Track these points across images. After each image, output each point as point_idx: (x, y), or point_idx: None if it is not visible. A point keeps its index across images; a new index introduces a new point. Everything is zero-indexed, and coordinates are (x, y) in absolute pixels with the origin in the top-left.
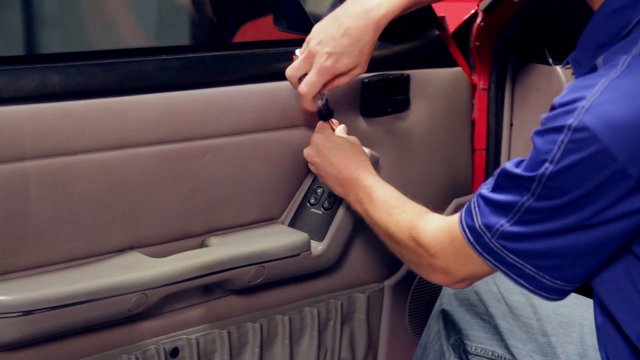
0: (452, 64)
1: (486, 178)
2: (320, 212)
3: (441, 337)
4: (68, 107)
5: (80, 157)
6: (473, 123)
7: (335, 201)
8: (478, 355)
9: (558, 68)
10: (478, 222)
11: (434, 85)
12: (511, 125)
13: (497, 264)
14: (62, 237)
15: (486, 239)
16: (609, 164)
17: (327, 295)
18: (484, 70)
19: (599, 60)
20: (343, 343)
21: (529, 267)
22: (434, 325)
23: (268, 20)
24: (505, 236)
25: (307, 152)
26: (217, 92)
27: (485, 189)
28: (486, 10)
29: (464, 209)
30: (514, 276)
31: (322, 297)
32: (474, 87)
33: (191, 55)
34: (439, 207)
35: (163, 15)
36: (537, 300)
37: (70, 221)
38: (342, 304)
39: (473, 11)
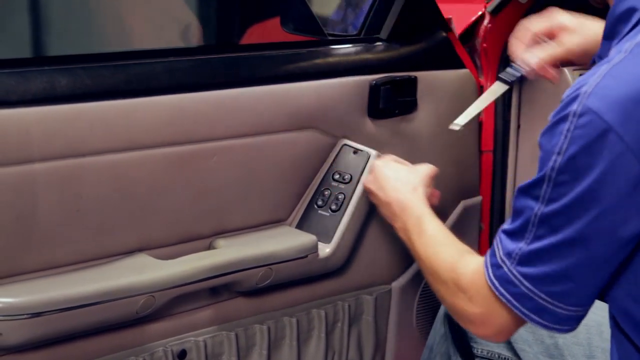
0: (459, 65)
1: (493, 180)
2: (327, 214)
3: (447, 339)
4: (76, 109)
5: (89, 159)
6: (480, 125)
7: (342, 203)
8: (484, 358)
9: (565, 69)
10: (499, 254)
11: (441, 87)
12: (518, 127)
13: (511, 298)
14: (70, 239)
15: (505, 269)
16: (615, 145)
17: (335, 297)
18: (491, 72)
19: (612, 51)
20: (351, 345)
21: (543, 296)
22: (440, 327)
23: (275, 22)
24: (523, 260)
25: (365, 180)
26: (225, 94)
27: (505, 224)
28: (493, 12)
29: (489, 250)
30: (529, 312)
31: (330, 298)
32: (481, 88)
33: (199, 57)
34: (446, 209)
35: (171, 17)
36: None
37: (78, 223)
38: (349, 306)
39: (480, 13)
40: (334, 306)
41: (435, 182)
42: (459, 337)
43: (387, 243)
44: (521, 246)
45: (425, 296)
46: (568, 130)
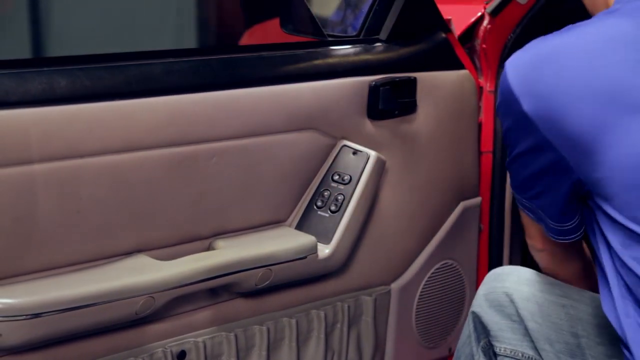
0: (459, 66)
1: (493, 181)
2: (327, 215)
3: (471, 340)
4: (75, 110)
5: (88, 160)
6: (480, 125)
7: (342, 204)
8: (507, 357)
9: None
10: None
11: (441, 87)
12: None
13: (524, 210)
14: (69, 240)
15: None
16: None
17: (334, 298)
18: (491, 72)
19: None
20: (350, 346)
21: (535, 208)
22: (465, 328)
23: (275, 23)
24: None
25: None
26: (224, 95)
27: None
28: (493, 13)
29: None
30: (536, 220)
31: (329, 299)
32: (480, 89)
33: (198, 58)
34: (445, 210)
35: (170, 18)
36: (569, 301)
37: (77, 224)
38: (349, 307)
39: (480, 14)
40: (334, 307)
41: (435, 182)
42: (483, 338)
43: (386, 244)
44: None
45: (425, 297)
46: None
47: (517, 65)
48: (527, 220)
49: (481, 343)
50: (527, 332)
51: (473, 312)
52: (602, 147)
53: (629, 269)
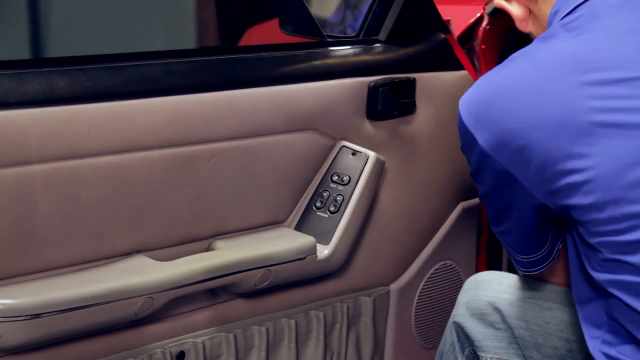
0: (458, 67)
1: None
2: (326, 216)
3: (455, 350)
4: (74, 111)
5: (87, 160)
6: None
7: (341, 205)
8: None
9: None
10: None
11: (440, 88)
12: None
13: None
14: (68, 240)
15: None
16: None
17: (333, 298)
18: None
19: None
20: (349, 346)
21: (506, 245)
22: (449, 337)
23: (274, 23)
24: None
25: None
26: (223, 95)
27: None
28: (492, 14)
29: None
30: (509, 255)
31: (328, 300)
32: None
33: (197, 58)
34: (445, 210)
35: (169, 19)
36: (554, 304)
37: (76, 225)
38: (348, 308)
39: (479, 15)
40: (333, 308)
41: (434, 183)
42: (467, 347)
43: (385, 245)
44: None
45: (424, 298)
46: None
47: (468, 104)
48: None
49: (465, 352)
50: (513, 340)
51: (455, 322)
52: (561, 173)
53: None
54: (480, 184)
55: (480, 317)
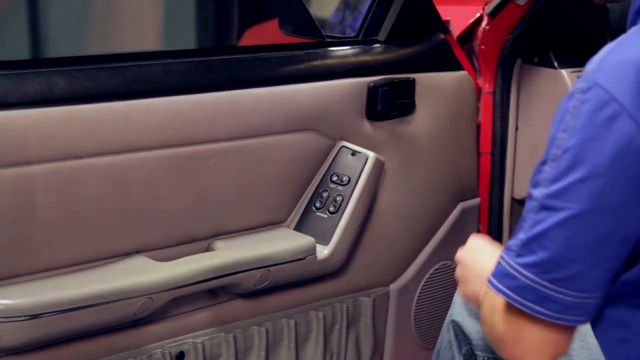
0: (458, 67)
1: (491, 182)
2: (325, 216)
3: (452, 347)
4: (74, 111)
5: (86, 161)
6: (478, 126)
7: (340, 205)
8: None
9: (563, 71)
10: (501, 255)
11: (440, 88)
12: (516, 128)
13: (509, 292)
14: (68, 240)
15: (504, 263)
16: (622, 120)
17: (333, 299)
18: (490, 73)
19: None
20: (349, 347)
21: (546, 284)
22: (446, 335)
23: (274, 24)
24: (522, 249)
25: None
26: (223, 96)
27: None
28: (491, 14)
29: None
30: (530, 303)
31: (328, 300)
32: (479, 90)
33: (197, 59)
34: (444, 211)
35: (169, 19)
36: None
37: (76, 225)
38: (347, 308)
39: (478, 15)
40: (332, 308)
41: (434, 183)
42: (464, 345)
43: (385, 245)
44: (521, 237)
45: (424, 298)
46: (574, 107)
47: (615, 70)
48: (522, 323)
49: (463, 350)
50: None
51: (453, 321)
52: None
53: None
54: (575, 199)
55: (478, 316)
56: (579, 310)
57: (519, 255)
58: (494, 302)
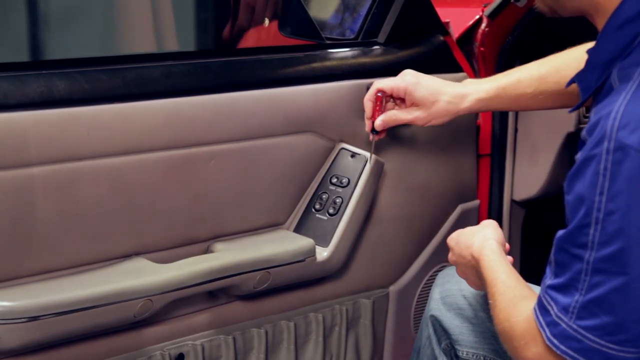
0: (457, 69)
1: (491, 184)
2: (325, 218)
3: (432, 342)
4: (74, 113)
5: (86, 162)
6: (478, 128)
7: (340, 207)
8: None
9: None
10: (554, 311)
11: None
12: (516, 130)
13: (576, 355)
14: (67, 242)
15: (564, 325)
16: None
17: (332, 300)
18: (489, 75)
19: (613, 77)
20: (348, 349)
21: (611, 346)
22: (424, 330)
23: (273, 26)
24: (582, 312)
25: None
26: (222, 97)
27: (549, 280)
28: (491, 16)
29: (536, 306)
30: (573, 353)
31: (327, 302)
32: None
33: (196, 61)
34: (444, 213)
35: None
36: (530, 292)
37: (75, 227)
38: (347, 310)
39: (478, 17)
40: (332, 310)
41: (434, 185)
42: (444, 340)
43: (384, 247)
44: (577, 298)
45: (424, 300)
46: (605, 168)
47: None
48: None
49: (442, 345)
50: (488, 334)
51: (432, 316)
52: None
53: None
54: (631, 263)
55: (457, 311)
56: None
57: (579, 317)
58: (541, 341)
